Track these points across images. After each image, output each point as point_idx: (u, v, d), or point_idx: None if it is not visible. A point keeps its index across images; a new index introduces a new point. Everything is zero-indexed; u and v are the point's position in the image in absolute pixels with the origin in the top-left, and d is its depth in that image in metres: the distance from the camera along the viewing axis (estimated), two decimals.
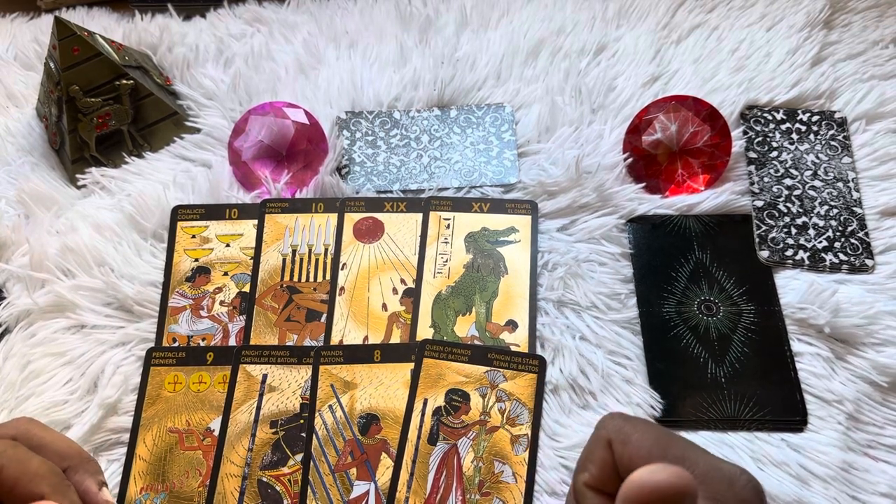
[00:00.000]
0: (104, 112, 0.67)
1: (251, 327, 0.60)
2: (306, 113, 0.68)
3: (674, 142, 0.66)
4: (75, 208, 0.67)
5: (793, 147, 0.68)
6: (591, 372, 0.57)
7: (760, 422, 0.55)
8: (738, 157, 0.68)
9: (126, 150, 0.70)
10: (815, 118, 0.70)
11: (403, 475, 0.53)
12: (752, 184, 0.66)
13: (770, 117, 0.70)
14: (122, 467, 0.54)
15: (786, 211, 0.65)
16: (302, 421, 0.55)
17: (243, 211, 0.65)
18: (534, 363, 0.57)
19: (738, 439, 0.55)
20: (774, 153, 0.68)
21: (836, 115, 0.70)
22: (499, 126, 0.71)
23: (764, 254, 0.63)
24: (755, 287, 0.61)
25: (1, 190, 0.69)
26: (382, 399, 0.56)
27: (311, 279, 0.62)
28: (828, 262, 0.62)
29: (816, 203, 0.65)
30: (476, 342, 0.59)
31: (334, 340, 0.59)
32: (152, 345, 0.59)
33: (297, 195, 0.67)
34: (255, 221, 0.65)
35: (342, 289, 0.62)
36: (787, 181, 0.66)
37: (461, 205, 0.65)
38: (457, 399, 0.56)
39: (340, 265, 0.63)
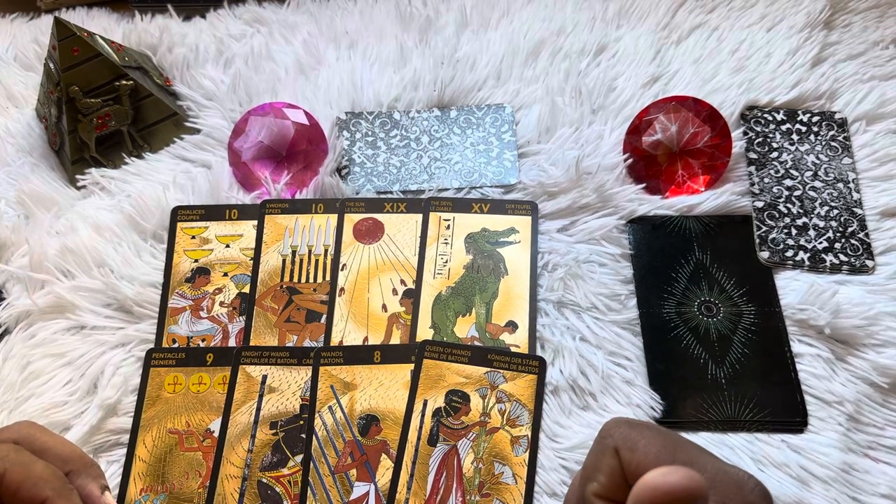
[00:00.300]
0: (104, 113, 0.67)
1: (251, 328, 0.60)
2: (306, 113, 0.68)
3: (674, 142, 0.66)
4: (75, 209, 0.67)
5: (793, 148, 0.68)
6: (591, 373, 0.57)
7: (761, 423, 0.55)
8: (738, 157, 0.68)
9: (126, 151, 0.70)
10: (815, 119, 0.70)
11: (403, 476, 0.53)
12: (752, 184, 0.66)
13: (770, 118, 0.70)
14: (121, 468, 0.54)
15: (786, 212, 0.65)
16: (302, 422, 0.55)
17: (243, 212, 0.65)
18: (534, 364, 0.57)
19: (739, 440, 0.54)
20: (775, 154, 0.68)
21: (837, 116, 0.70)
22: (499, 127, 0.71)
23: (764, 255, 0.63)
24: (755, 288, 0.61)
25: (1, 190, 0.69)
26: (382, 400, 0.56)
27: (311, 280, 0.62)
28: (828, 263, 0.62)
29: (817, 204, 0.65)
30: (476, 343, 0.59)
31: (334, 341, 0.59)
32: (152, 346, 0.59)
33: (297, 196, 0.67)
34: (255, 222, 0.65)
35: (342, 290, 0.61)
36: (788, 182, 0.66)
37: (461, 205, 0.65)
38: (457, 400, 0.56)
39: (340, 266, 0.63)
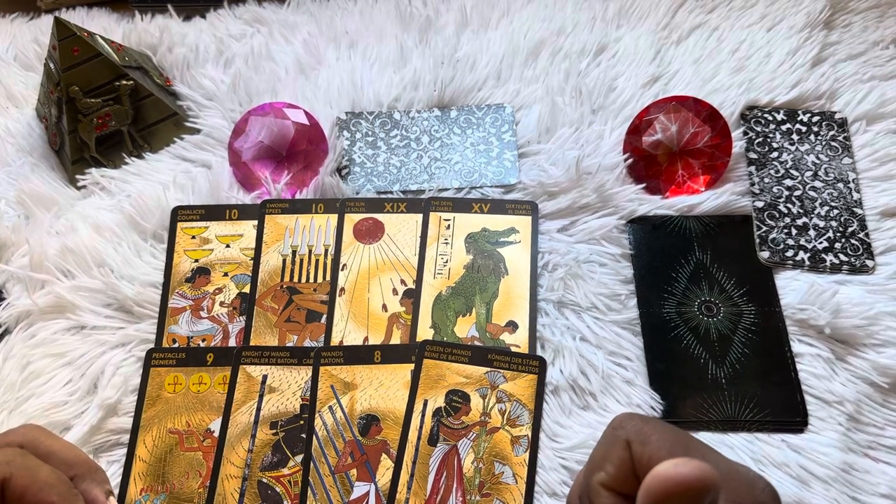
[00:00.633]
0: (104, 113, 0.67)
1: (251, 328, 0.60)
2: (306, 113, 0.68)
3: (674, 142, 0.66)
4: (75, 209, 0.67)
5: (793, 148, 0.68)
6: (592, 373, 0.57)
7: (761, 423, 0.55)
8: (738, 157, 0.68)
9: (126, 151, 0.70)
10: (815, 119, 0.70)
11: (403, 476, 0.53)
12: (752, 184, 0.66)
13: (770, 118, 0.70)
14: (122, 468, 0.54)
15: (786, 212, 0.65)
16: (302, 422, 0.55)
17: (243, 212, 0.65)
18: (534, 364, 0.57)
19: (739, 440, 0.55)
20: (775, 154, 0.68)
21: (837, 116, 0.70)
22: (499, 127, 0.71)
23: (764, 254, 0.63)
24: (755, 288, 0.61)
25: (1, 191, 0.69)
26: (382, 400, 0.56)
27: (312, 280, 0.62)
28: (828, 263, 0.62)
29: (817, 204, 0.65)
30: (476, 343, 0.59)
31: (334, 341, 0.59)
32: (152, 346, 0.59)
33: (297, 196, 0.67)
34: (255, 222, 0.65)
35: (342, 289, 0.61)
36: (788, 182, 0.66)
37: (461, 205, 0.65)
38: (457, 400, 0.56)
39: (340, 266, 0.63)
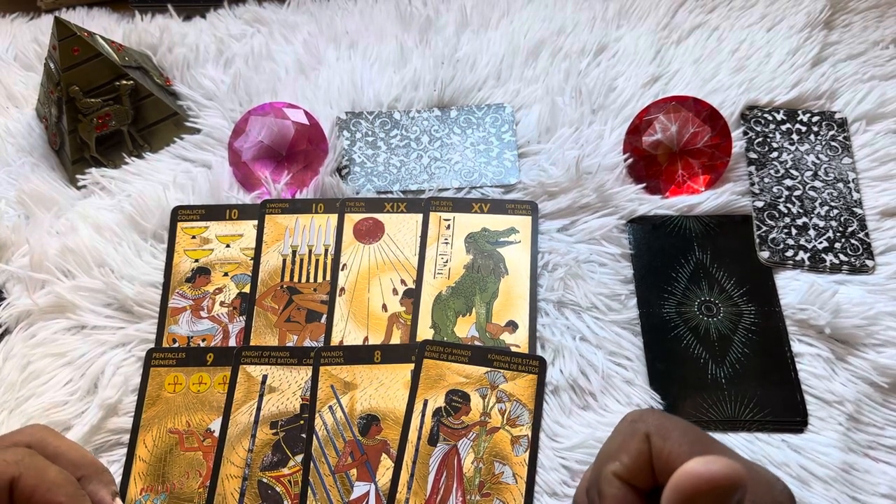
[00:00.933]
0: (104, 112, 0.67)
1: (251, 328, 0.60)
2: (306, 113, 0.68)
3: (674, 142, 0.66)
4: (75, 209, 0.67)
5: (793, 148, 0.68)
6: (592, 373, 0.57)
7: (761, 422, 0.55)
8: (738, 157, 0.68)
9: (126, 151, 0.70)
10: (815, 119, 0.70)
11: (404, 476, 0.53)
12: (752, 184, 0.66)
13: (770, 118, 0.70)
14: (122, 468, 0.54)
15: (786, 211, 0.65)
16: (302, 422, 0.55)
17: (243, 211, 0.65)
18: (534, 364, 0.57)
19: (739, 440, 0.55)
20: (775, 154, 0.68)
21: (837, 116, 0.70)
22: (499, 126, 0.71)
23: (764, 254, 0.63)
24: (755, 288, 0.61)
25: (1, 190, 0.69)
26: (383, 400, 0.56)
27: (312, 280, 0.62)
28: (828, 263, 0.62)
29: (817, 204, 0.65)
30: (476, 343, 0.59)
31: (334, 341, 0.59)
32: (152, 345, 0.59)
33: (298, 196, 0.67)
34: (256, 222, 0.65)
35: (342, 289, 0.62)
36: (788, 182, 0.66)
37: (461, 205, 0.65)
38: (457, 400, 0.56)
39: (340, 266, 0.63)
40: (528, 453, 0.54)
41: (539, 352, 0.58)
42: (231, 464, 0.54)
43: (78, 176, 0.69)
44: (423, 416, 0.55)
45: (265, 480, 0.54)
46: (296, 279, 0.62)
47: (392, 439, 0.54)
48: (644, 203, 0.65)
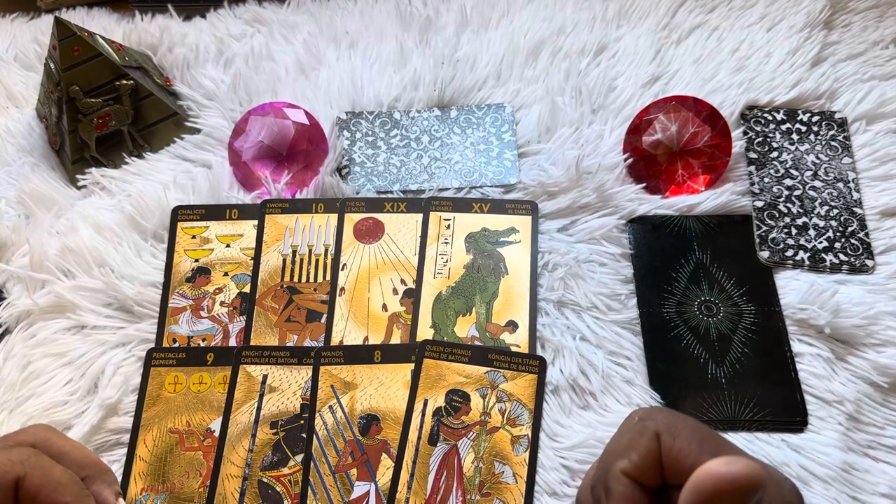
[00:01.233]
0: (104, 112, 0.67)
1: (251, 328, 0.60)
2: (306, 113, 0.68)
3: (674, 142, 0.66)
4: (75, 209, 0.67)
5: (793, 147, 0.68)
6: (592, 372, 0.57)
7: (761, 422, 0.55)
8: (738, 157, 0.68)
9: (126, 151, 0.70)
10: (815, 118, 0.70)
11: (404, 476, 0.53)
12: (752, 184, 0.66)
13: (770, 118, 0.70)
14: (122, 468, 0.54)
15: (786, 211, 0.65)
16: (302, 421, 0.55)
17: (243, 211, 0.65)
18: (534, 364, 0.57)
19: (739, 440, 0.55)
20: (775, 153, 0.68)
21: (837, 116, 0.70)
22: (499, 126, 0.71)
23: (764, 254, 0.63)
24: (755, 287, 0.61)
25: (1, 190, 0.69)
26: (383, 399, 0.56)
27: (312, 280, 0.62)
28: (828, 263, 0.62)
29: (817, 203, 0.65)
30: (476, 343, 0.59)
31: (334, 341, 0.59)
32: (152, 345, 0.59)
33: (298, 196, 0.67)
34: (256, 222, 0.65)
35: (342, 289, 0.62)
36: (788, 181, 0.66)
37: (461, 205, 0.65)
38: (457, 399, 0.56)
39: (341, 266, 0.63)
40: (528, 453, 0.54)
41: (539, 351, 0.58)
42: (231, 463, 0.54)
43: (78, 176, 0.69)
44: (423, 415, 0.55)
45: (265, 480, 0.54)
46: (296, 279, 0.62)
47: (392, 439, 0.54)
48: (644, 203, 0.66)
